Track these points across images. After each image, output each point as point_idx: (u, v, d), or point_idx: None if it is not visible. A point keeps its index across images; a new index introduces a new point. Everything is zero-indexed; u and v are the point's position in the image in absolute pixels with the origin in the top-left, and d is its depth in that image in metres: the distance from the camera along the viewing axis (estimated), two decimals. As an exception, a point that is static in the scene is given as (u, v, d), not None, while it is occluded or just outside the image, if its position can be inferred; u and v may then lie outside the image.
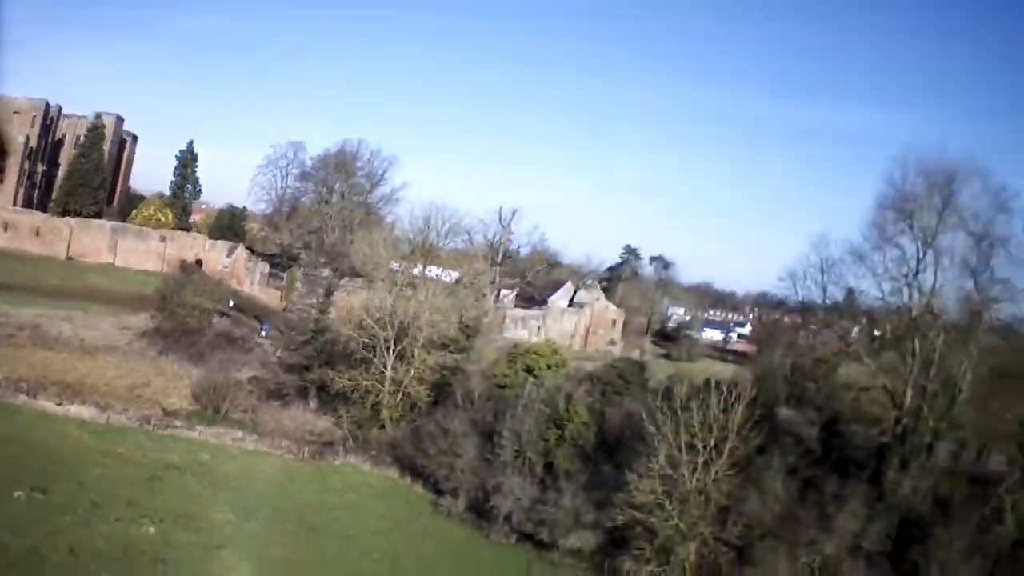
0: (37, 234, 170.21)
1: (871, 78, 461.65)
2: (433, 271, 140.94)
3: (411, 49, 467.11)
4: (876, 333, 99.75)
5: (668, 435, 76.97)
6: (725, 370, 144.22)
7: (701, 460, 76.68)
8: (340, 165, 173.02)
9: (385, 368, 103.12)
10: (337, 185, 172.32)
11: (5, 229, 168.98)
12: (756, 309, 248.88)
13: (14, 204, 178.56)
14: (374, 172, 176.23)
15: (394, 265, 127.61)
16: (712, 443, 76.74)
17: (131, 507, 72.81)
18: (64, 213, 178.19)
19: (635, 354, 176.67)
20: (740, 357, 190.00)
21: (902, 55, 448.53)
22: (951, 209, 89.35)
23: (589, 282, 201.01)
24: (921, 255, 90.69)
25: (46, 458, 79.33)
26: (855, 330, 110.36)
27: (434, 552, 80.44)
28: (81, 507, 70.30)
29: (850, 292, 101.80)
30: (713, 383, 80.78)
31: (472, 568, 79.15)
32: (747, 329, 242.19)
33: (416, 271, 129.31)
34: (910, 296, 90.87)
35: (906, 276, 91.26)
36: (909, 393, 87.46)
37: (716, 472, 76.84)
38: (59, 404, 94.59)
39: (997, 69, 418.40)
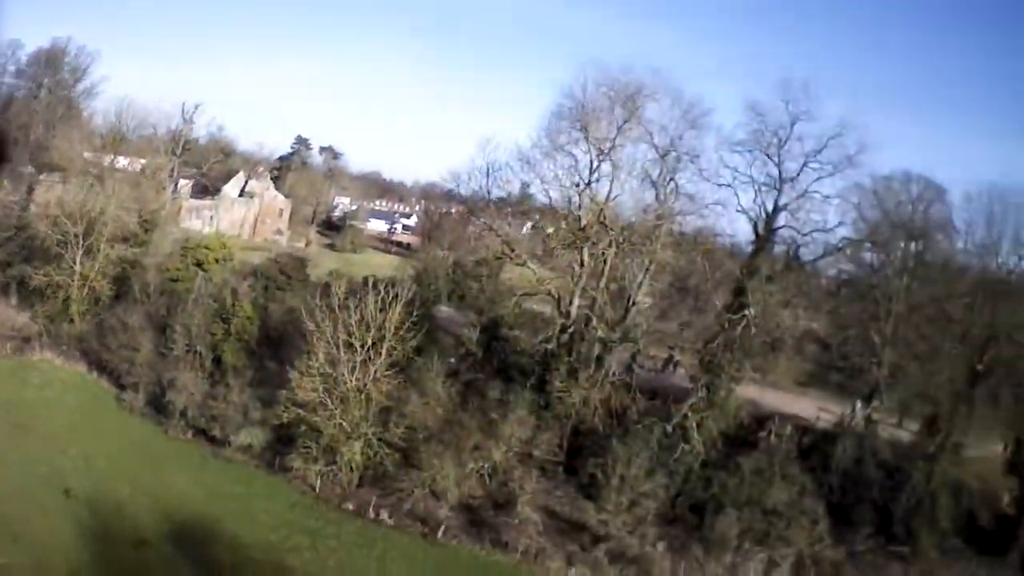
0: None
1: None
2: (122, 161, 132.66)
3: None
4: (549, 230, 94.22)
5: (327, 333, 75.41)
6: (388, 262, 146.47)
7: (360, 359, 75.22)
8: (49, 61, 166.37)
9: (75, 263, 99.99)
10: (46, 80, 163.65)
11: None
12: (423, 201, 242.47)
13: None
14: (78, 67, 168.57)
15: (87, 155, 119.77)
16: (370, 342, 75.20)
17: None
18: None
19: (300, 244, 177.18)
20: (404, 249, 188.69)
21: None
22: (634, 122, 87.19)
23: (260, 171, 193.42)
24: (596, 165, 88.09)
25: None
26: (525, 228, 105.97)
27: (119, 449, 78.63)
28: None
29: (524, 189, 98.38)
30: (371, 281, 79.41)
31: (152, 465, 76.25)
32: (413, 221, 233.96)
33: (106, 162, 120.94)
34: (580, 205, 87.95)
35: (577, 185, 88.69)
36: (576, 302, 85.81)
37: (375, 372, 75.46)
38: None
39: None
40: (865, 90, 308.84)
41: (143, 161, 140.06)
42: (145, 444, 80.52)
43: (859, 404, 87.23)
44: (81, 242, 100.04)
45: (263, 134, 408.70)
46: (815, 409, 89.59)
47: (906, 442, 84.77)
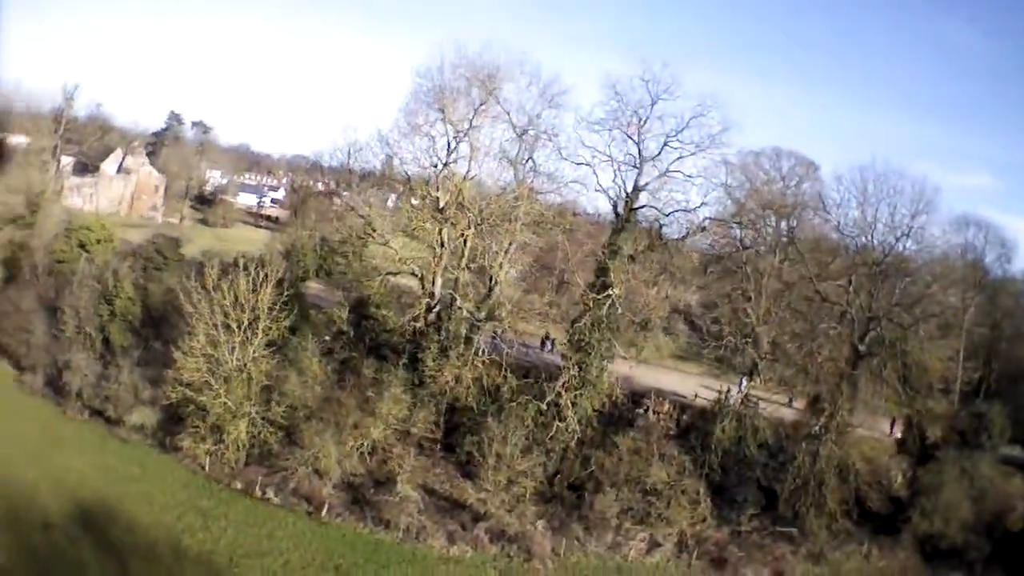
0: None
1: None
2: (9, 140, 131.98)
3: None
4: (414, 202, 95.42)
5: (205, 314, 76.76)
6: (258, 237, 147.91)
7: (238, 339, 76.77)
8: None
9: None
10: None
11: None
12: (290, 174, 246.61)
13: None
14: None
15: None
16: (246, 322, 76.81)
17: None
18: None
19: (175, 219, 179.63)
20: (273, 223, 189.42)
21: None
22: (492, 102, 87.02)
23: (136, 147, 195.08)
24: (454, 146, 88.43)
25: None
26: (389, 200, 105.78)
27: (22, 431, 78.40)
28: None
29: (387, 162, 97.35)
30: (242, 262, 79.81)
31: (54, 447, 75.95)
32: (281, 194, 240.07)
33: None
34: (438, 186, 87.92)
35: (435, 166, 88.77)
36: (440, 281, 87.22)
37: (253, 352, 77.25)
38: None
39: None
40: (741, 66, 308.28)
41: (26, 140, 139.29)
42: (46, 425, 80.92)
43: (744, 381, 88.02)
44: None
45: (139, 110, 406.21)
46: (694, 386, 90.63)
47: (789, 421, 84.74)
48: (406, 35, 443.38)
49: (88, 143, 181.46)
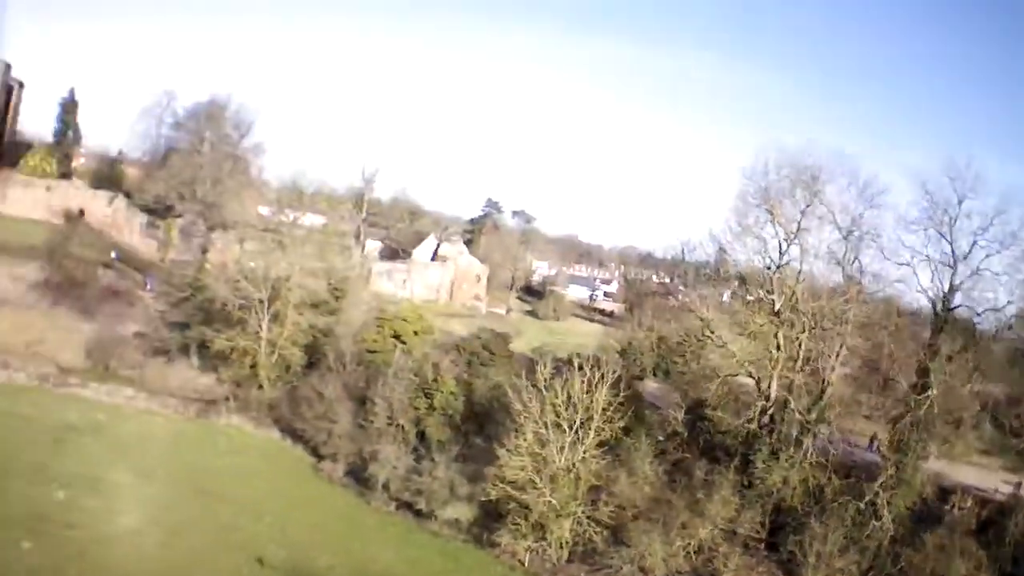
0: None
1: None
2: (304, 221, 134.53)
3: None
4: (749, 298, 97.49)
5: (534, 413, 78.17)
6: (592, 331, 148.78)
7: (568, 439, 77.80)
8: (210, 115, 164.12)
9: (260, 328, 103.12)
10: (208, 134, 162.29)
11: None
12: (622, 266, 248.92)
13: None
14: (242, 123, 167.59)
15: (263, 211, 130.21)
16: (578, 422, 77.82)
17: (39, 471, 74.21)
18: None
19: (501, 310, 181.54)
20: (607, 316, 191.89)
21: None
22: (816, 204, 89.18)
23: (453, 236, 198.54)
24: (784, 248, 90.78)
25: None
26: (725, 295, 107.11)
27: (320, 518, 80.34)
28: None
29: (721, 255, 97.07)
30: (577, 362, 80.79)
31: (358, 535, 78.33)
32: (613, 287, 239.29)
33: (284, 220, 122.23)
34: (772, 289, 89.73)
35: (768, 268, 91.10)
36: (775, 384, 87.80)
37: (584, 452, 78.13)
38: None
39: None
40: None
41: (323, 221, 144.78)
42: (346, 514, 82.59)
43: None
44: (267, 308, 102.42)
45: (446, 195, 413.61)
46: (996, 481, 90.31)
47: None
48: (728, 129, 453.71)
49: (395, 228, 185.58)
